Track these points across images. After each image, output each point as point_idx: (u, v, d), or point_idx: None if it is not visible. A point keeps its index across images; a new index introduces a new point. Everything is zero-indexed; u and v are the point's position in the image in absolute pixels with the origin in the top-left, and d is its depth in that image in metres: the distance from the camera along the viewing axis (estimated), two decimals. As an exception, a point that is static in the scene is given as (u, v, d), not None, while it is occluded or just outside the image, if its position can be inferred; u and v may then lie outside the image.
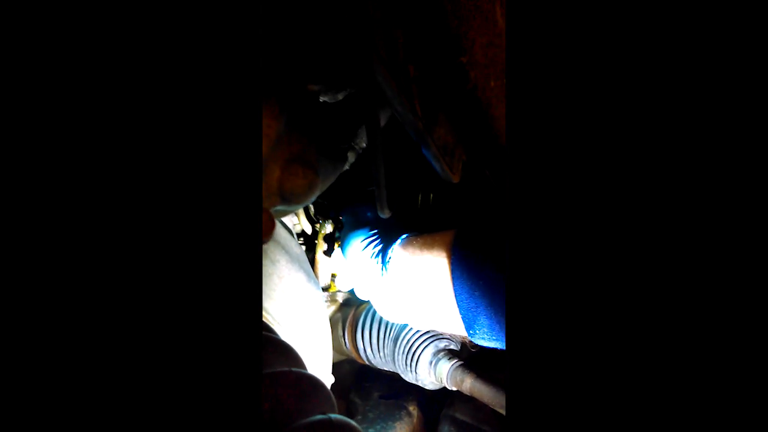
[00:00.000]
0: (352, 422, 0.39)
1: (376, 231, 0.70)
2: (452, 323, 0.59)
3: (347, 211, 0.79)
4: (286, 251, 0.70)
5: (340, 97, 0.52)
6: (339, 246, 0.85)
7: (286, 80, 0.43)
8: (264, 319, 0.61)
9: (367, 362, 0.92)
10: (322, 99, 0.51)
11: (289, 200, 0.47)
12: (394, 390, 0.99)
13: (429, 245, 0.61)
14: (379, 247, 0.68)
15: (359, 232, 0.72)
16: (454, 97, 0.45)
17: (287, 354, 0.44)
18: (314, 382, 0.41)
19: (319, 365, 0.72)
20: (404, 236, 0.66)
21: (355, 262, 0.72)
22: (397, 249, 0.65)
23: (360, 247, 0.70)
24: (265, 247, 0.65)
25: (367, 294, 0.73)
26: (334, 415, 0.38)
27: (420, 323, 0.69)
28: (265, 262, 0.66)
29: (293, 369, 0.40)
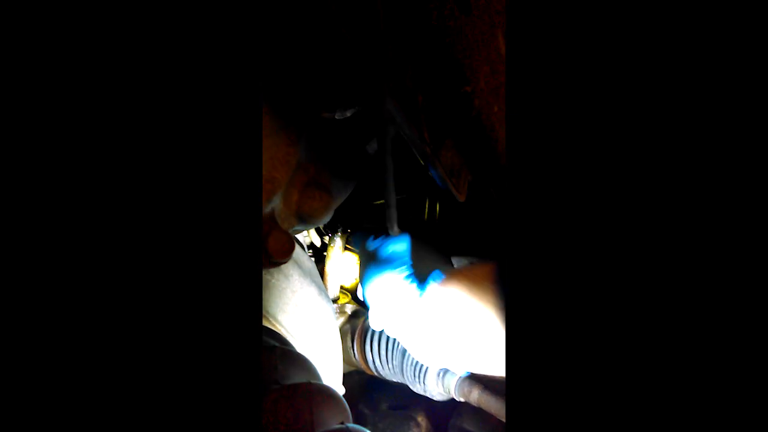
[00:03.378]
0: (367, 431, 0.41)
1: (409, 270, 0.61)
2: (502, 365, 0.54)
3: (357, 239, 0.74)
4: (299, 265, 0.72)
5: (348, 113, 0.54)
6: (359, 282, 0.78)
7: (302, 110, 0.45)
8: (279, 333, 0.63)
9: (375, 373, 0.94)
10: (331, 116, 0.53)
11: (306, 221, 0.49)
12: (403, 401, 1.00)
13: (473, 285, 0.54)
14: (414, 285, 0.59)
15: (381, 268, 0.63)
16: (459, 123, 0.48)
17: (304, 366, 0.46)
18: (331, 394, 0.43)
19: (331, 376, 0.74)
20: (438, 274, 0.58)
21: (385, 302, 0.62)
22: (435, 288, 0.57)
23: (390, 286, 0.61)
24: (279, 262, 0.67)
25: (397, 333, 0.63)
26: (351, 425, 0.40)
27: (467, 366, 0.61)
28: (279, 277, 0.68)
29: (311, 381, 0.42)
